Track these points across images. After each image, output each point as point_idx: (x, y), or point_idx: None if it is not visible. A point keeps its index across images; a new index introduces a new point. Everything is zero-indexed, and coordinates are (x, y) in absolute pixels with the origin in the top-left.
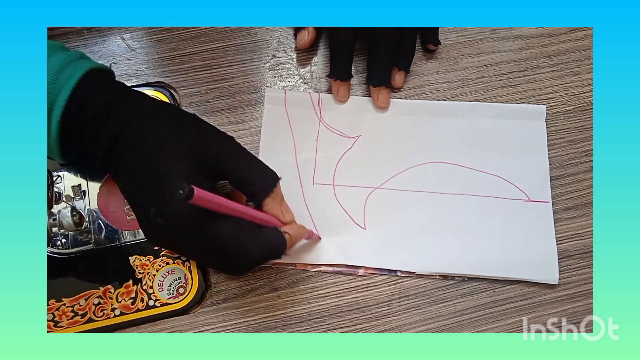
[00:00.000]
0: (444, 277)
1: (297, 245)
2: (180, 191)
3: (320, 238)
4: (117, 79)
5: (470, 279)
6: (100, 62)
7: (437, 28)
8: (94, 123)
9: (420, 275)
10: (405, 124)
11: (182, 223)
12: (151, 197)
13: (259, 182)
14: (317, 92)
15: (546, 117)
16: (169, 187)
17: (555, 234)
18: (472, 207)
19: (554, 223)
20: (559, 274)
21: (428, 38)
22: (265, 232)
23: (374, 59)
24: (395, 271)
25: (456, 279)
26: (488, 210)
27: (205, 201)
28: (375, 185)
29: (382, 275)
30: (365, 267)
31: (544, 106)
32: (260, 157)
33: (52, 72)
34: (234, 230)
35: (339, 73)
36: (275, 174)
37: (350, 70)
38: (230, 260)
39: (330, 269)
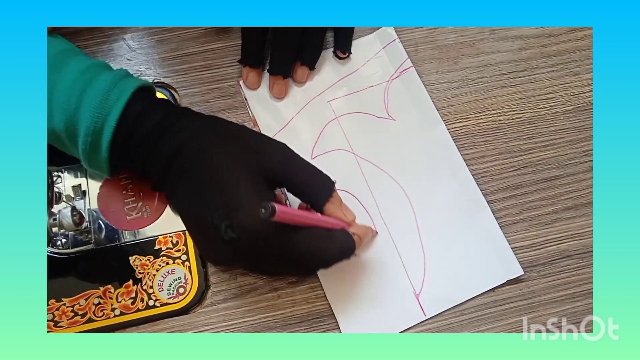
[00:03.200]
0: None
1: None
2: (263, 210)
3: (377, 233)
4: None
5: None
6: (143, 79)
7: (351, 35)
8: (147, 143)
9: None
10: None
11: (259, 237)
12: (220, 212)
13: (318, 188)
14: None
15: (546, 117)
16: (238, 201)
17: (555, 234)
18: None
19: (555, 223)
20: (560, 274)
21: (338, 43)
22: (336, 235)
23: (274, 48)
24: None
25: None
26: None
27: (285, 216)
28: (356, 151)
29: None
30: None
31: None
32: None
33: (101, 93)
34: (308, 238)
35: (247, 59)
36: (330, 178)
37: (260, 57)
38: (305, 266)
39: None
